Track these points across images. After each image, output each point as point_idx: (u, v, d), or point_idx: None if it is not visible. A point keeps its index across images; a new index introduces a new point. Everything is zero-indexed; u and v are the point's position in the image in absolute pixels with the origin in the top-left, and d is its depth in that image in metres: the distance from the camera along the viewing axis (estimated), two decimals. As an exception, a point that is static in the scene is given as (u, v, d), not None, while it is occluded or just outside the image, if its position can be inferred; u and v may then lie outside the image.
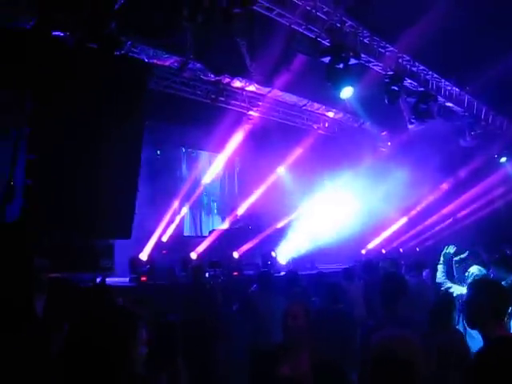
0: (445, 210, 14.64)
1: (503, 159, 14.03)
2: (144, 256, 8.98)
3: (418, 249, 14.83)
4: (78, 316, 2.56)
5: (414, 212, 14.64)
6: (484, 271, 5.57)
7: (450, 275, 6.03)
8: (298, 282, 6.73)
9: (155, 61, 8.32)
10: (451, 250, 6.13)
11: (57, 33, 6.65)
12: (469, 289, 3.10)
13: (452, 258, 6.29)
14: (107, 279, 7.23)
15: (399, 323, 3.66)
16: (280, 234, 12.05)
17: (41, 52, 6.32)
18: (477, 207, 14.43)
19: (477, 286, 3.08)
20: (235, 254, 10.36)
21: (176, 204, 11.16)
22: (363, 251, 14.24)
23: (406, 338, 2.13)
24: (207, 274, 8.09)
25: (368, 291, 6.76)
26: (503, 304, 2.97)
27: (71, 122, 6.91)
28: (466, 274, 5.66)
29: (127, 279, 8.29)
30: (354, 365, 4.39)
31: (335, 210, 12.97)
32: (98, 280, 7.04)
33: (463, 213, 14.57)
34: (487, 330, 2.82)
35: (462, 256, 6.66)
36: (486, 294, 2.91)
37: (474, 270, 5.60)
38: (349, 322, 4.97)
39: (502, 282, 5.64)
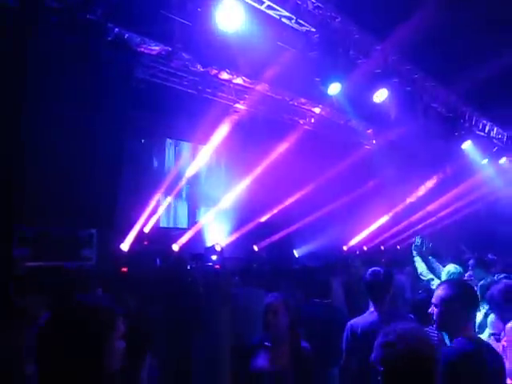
0: (428, 209, 14.80)
1: (485, 161, 14.21)
2: (125, 247, 8.90)
3: (398, 247, 14.98)
4: (54, 308, 2.49)
5: (396, 209, 14.76)
6: (460, 269, 5.59)
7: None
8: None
9: (142, 49, 8.20)
10: (418, 241, 6.16)
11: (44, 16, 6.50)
12: (445, 288, 3.04)
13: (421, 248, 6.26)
14: (86, 269, 7.17)
15: (387, 319, 3.68)
16: (264, 228, 12.07)
17: (26, 36, 6.19)
18: (458, 207, 14.63)
19: (454, 287, 3.05)
20: (217, 247, 10.33)
21: (159, 195, 11.06)
22: (345, 248, 14.34)
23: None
24: (188, 267, 8.05)
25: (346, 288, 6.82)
26: (474, 309, 3.01)
27: (54, 110, 6.80)
28: (442, 271, 5.68)
29: (107, 269, 8.21)
30: (337, 360, 4.42)
31: (318, 206, 12.99)
32: (77, 269, 6.98)
33: (445, 212, 14.75)
34: (456, 331, 2.84)
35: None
36: (462, 297, 2.91)
37: (450, 267, 5.59)
38: (338, 317, 4.98)
39: (481, 282, 5.75)
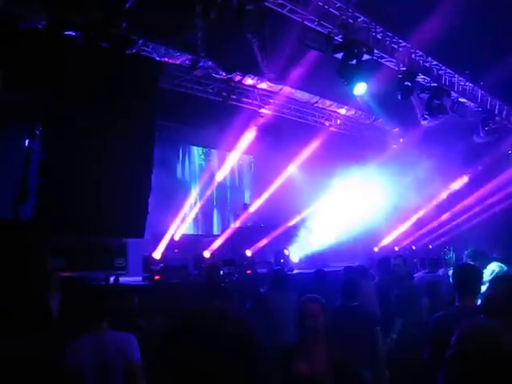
0: (458, 207, 14.52)
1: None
2: (157, 255, 8.98)
3: (430, 246, 14.75)
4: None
5: (426, 209, 14.52)
6: (504, 267, 5.51)
7: None
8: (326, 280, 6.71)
9: (166, 59, 8.29)
10: (451, 253, 6.15)
11: (68, 32, 6.63)
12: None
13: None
14: (120, 278, 7.24)
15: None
16: (292, 232, 12.01)
17: (53, 52, 6.32)
18: (490, 204, 14.31)
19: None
20: (248, 253, 10.34)
21: (188, 203, 11.15)
22: (376, 249, 14.16)
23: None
24: (221, 272, 8.07)
25: (381, 289, 6.70)
26: None
27: (84, 122, 6.90)
28: (487, 272, 5.57)
29: (140, 278, 8.29)
30: (367, 363, 4.36)
31: (347, 207, 12.89)
32: (112, 279, 7.06)
33: (477, 209, 14.45)
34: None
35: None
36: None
37: (494, 266, 5.56)
38: (366, 319, 4.91)
39: None
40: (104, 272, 7.27)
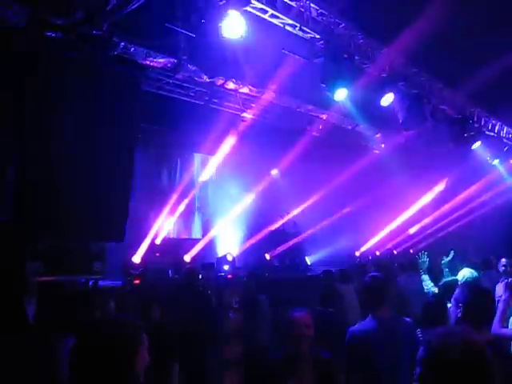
0: (438, 212, 14.69)
1: (496, 161, 14.10)
2: (137, 259, 8.92)
3: (411, 250, 14.88)
4: (80, 325, 2.49)
5: (407, 214, 14.66)
6: (475, 274, 5.58)
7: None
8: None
9: (148, 62, 8.26)
10: (425, 258, 6.21)
11: (48, 33, 6.57)
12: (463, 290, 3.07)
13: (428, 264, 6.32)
14: (100, 282, 7.18)
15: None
16: (275, 237, 12.05)
17: (31, 52, 6.26)
18: (469, 209, 14.51)
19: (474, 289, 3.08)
20: (229, 257, 10.33)
21: (169, 207, 11.10)
22: (357, 253, 14.26)
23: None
24: (200, 276, 8.06)
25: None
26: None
27: (63, 124, 6.85)
28: (458, 278, 5.66)
29: (120, 282, 8.23)
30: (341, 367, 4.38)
31: (329, 212, 12.97)
32: (91, 283, 6.99)
33: (456, 215, 14.64)
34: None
35: (448, 258, 6.67)
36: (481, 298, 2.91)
37: (465, 272, 5.61)
38: (337, 325, 4.93)
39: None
40: (83, 276, 7.20)
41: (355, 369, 3.58)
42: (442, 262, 6.60)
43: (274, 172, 12.13)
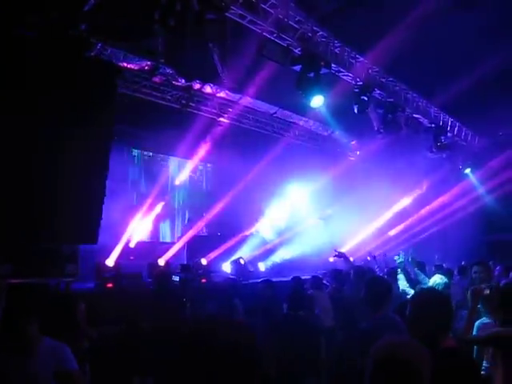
0: (411, 219, 14.89)
1: (467, 170, 14.40)
2: (110, 262, 8.83)
3: (385, 256, 15.01)
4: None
5: (381, 220, 14.83)
6: (445, 280, 5.71)
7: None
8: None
9: (125, 64, 8.23)
10: (401, 259, 6.33)
11: (23, 32, 6.47)
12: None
13: (405, 265, 6.44)
14: (71, 285, 7.09)
15: (389, 325, 3.81)
16: (247, 242, 12.06)
17: (4, 52, 6.16)
18: (442, 216, 14.75)
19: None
20: (203, 261, 10.30)
21: (144, 210, 11.02)
22: (331, 259, 14.33)
23: (409, 341, 2.12)
24: (177, 278, 8.03)
25: (334, 299, 6.81)
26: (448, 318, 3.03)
27: (37, 126, 6.75)
28: (429, 284, 5.79)
29: (92, 285, 8.14)
30: (316, 372, 4.42)
31: (303, 218, 13.04)
32: (62, 286, 6.90)
33: (429, 222, 14.86)
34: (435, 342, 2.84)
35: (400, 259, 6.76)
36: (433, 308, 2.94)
37: (436, 278, 5.76)
38: (310, 328, 4.99)
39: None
40: (55, 278, 7.10)
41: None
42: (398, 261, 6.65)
43: (250, 177, 12.13)
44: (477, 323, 4.13)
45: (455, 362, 2.72)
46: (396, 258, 6.43)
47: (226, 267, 10.87)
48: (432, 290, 4.44)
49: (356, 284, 6.67)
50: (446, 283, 5.64)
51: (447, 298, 3.18)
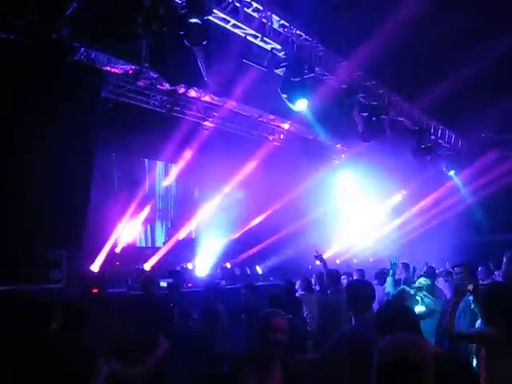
0: (396, 222, 14.99)
1: (451, 172, 14.55)
2: (95, 268, 8.77)
3: (371, 259, 15.10)
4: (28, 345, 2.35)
5: (366, 223, 14.90)
6: (429, 282, 6.03)
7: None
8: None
9: (109, 68, 8.19)
10: (396, 261, 6.50)
11: (4, 35, 6.42)
12: None
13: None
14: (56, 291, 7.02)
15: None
16: (235, 245, 12.05)
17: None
18: (427, 218, 14.87)
19: None
20: (189, 266, 10.28)
21: (129, 214, 10.96)
22: (318, 262, 14.35)
23: (418, 342, 2.12)
24: (165, 284, 7.98)
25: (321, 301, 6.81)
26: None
27: (19, 132, 6.71)
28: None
29: (77, 291, 8.06)
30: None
31: (289, 221, 13.06)
32: (47, 293, 6.83)
33: (413, 225, 14.98)
34: None
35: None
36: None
37: (421, 280, 6.04)
38: (295, 333, 5.00)
39: None
40: (39, 285, 7.03)
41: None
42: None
43: (236, 180, 12.13)
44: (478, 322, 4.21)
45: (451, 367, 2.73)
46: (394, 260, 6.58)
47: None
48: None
49: (329, 287, 6.75)
50: (429, 284, 5.81)
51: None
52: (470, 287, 4.14)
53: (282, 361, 3.44)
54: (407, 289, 5.93)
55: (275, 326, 3.41)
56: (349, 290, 4.26)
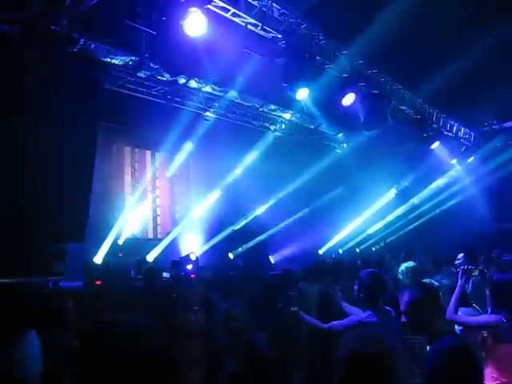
0: (399, 211, 14.99)
1: (454, 161, 14.51)
2: (98, 259, 8.78)
3: (374, 249, 15.15)
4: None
5: (369, 213, 14.90)
6: (413, 263, 5.95)
7: None
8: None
9: (109, 59, 8.14)
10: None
11: (4, 28, 6.39)
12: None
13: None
14: (60, 283, 7.03)
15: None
16: (238, 236, 12.06)
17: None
18: (428, 208, 14.88)
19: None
20: (192, 256, 10.26)
21: (131, 206, 10.95)
22: (320, 252, 14.40)
23: (379, 336, 2.14)
24: (168, 274, 7.98)
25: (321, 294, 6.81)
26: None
27: (21, 123, 6.69)
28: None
29: (81, 283, 8.07)
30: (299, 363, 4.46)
31: (291, 211, 13.07)
32: (51, 284, 6.84)
33: (415, 213, 14.99)
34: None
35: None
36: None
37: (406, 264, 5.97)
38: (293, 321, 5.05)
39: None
40: (42, 277, 7.04)
41: None
42: None
43: (237, 171, 12.11)
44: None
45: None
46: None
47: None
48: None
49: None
50: (414, 266, 5.77)
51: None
52: (475, 272, 4.24)
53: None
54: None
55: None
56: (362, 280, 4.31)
